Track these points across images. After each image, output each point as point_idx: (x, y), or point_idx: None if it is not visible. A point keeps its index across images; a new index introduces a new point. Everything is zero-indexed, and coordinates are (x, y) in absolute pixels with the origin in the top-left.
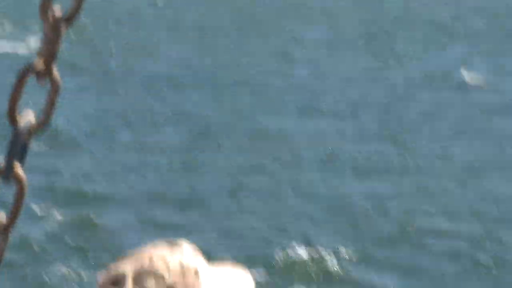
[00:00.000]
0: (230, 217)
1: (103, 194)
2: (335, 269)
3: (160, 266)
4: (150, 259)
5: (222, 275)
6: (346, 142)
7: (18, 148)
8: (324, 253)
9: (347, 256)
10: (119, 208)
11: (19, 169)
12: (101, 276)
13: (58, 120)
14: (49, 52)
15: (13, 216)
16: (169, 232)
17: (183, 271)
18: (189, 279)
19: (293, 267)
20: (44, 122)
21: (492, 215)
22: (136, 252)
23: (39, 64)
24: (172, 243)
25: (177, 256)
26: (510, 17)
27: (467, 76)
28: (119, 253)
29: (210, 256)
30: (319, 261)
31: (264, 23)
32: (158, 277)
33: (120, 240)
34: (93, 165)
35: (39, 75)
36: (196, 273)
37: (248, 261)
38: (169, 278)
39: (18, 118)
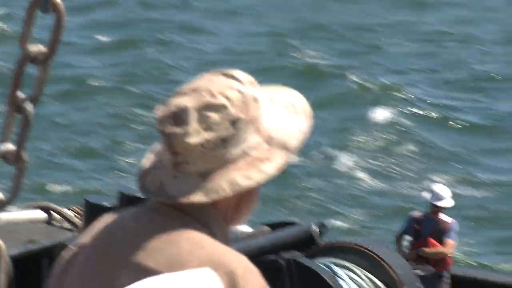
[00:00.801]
0: None
1: None
2: None
3: (221, 98)
4: (209, 91)
5: (279, 100)
6: None
7: None
8: None
9: None
10: None
11: None
12: (159, 111)
13: None
14: None
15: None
16: None
17: (244, 100)
18: (251, 108)
19: None
20: None
21: None
22: (191, 84)
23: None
24: (226, 73)
25: (235, 86)
26: None
27: None
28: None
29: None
30: None
31: None
32: (221, 109)
33: None
34: None
35: None
36: (256, 100)
37: None
38: (232, 110)
39: None
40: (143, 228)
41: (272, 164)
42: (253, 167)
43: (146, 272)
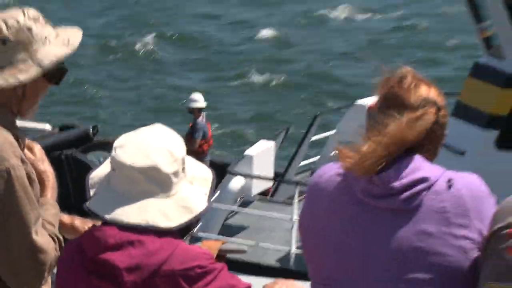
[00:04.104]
0: None
1: None
2: None
3: (1, 22)
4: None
5: (62, 35)
6: None
7: None
8: None
9: None
10: None
11: None
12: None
13: None
14: None
15: None
16: None
17: (18, 27)
18: (22, 34)
19: None
20: None
21: None
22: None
23: None
24: (21, 8)
25: (17, 16)
26: None
27: None
28: None
29: None
30: None
31: None
32: None
33: None
34: None
35: None
36: (30, 30)
37: None
38: (6, 32)
39: None
40: None
41: (24, 75)
42: (12, 73)
43: None
